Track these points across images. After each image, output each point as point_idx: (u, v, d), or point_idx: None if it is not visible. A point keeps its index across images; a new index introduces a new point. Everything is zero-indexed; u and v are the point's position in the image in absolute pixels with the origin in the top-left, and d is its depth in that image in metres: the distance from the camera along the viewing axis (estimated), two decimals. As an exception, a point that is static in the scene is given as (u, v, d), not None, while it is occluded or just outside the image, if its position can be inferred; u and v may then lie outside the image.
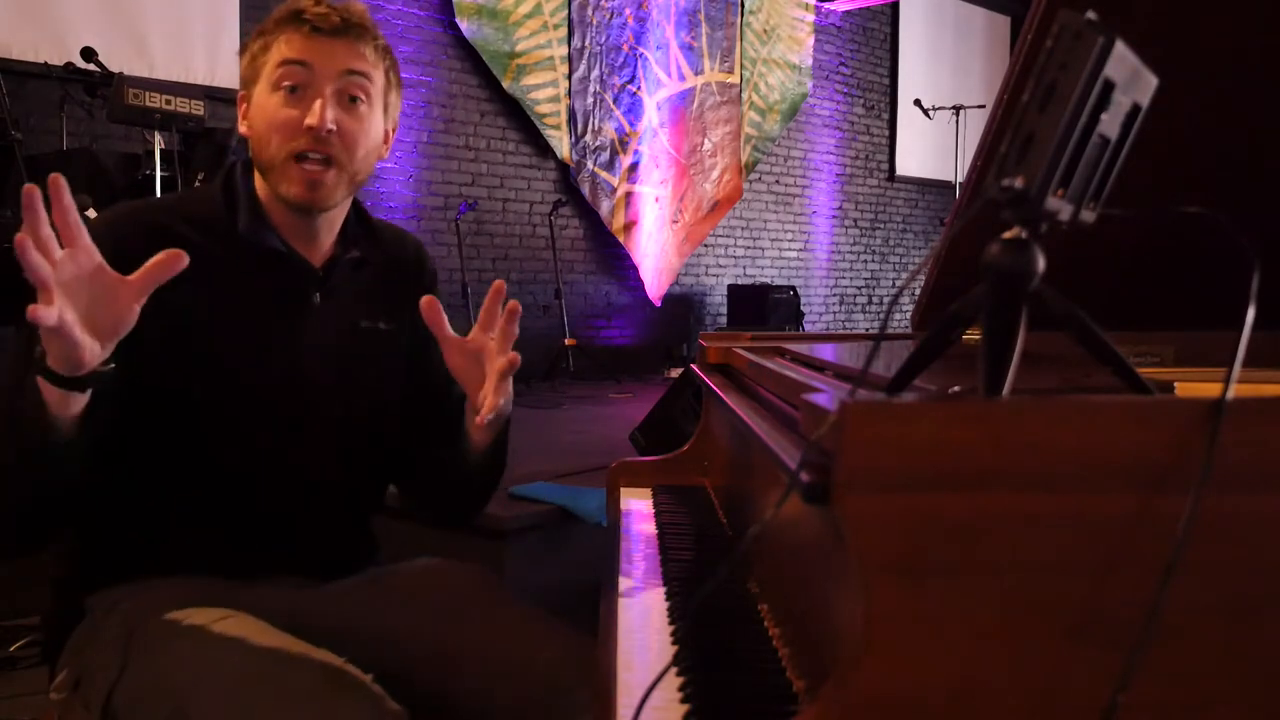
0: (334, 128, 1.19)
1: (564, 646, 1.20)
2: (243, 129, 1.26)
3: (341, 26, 1.21)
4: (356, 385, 1.32)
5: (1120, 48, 0.54)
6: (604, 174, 6.59)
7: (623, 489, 1.58)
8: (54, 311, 0.92)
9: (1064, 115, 0.53)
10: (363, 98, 1.23)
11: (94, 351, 0.98)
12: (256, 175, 1.27)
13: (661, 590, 1.07)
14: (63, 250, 0.95)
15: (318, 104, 1.19)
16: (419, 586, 1.29)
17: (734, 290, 7.26)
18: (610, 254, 6.76)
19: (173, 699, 1.04)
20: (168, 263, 0.99)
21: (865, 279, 8.77)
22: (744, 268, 7.72)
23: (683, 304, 7.23)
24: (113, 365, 1.02)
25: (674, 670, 0.79)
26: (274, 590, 1.21)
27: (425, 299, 1.18)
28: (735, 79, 7.40)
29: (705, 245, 7.37)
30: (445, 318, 1.20)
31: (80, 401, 1.01)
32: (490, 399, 1.16)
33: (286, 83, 1.19)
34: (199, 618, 1.11)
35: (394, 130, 1.33)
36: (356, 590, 1.27)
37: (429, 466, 1.37)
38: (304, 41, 1.20)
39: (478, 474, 1.33)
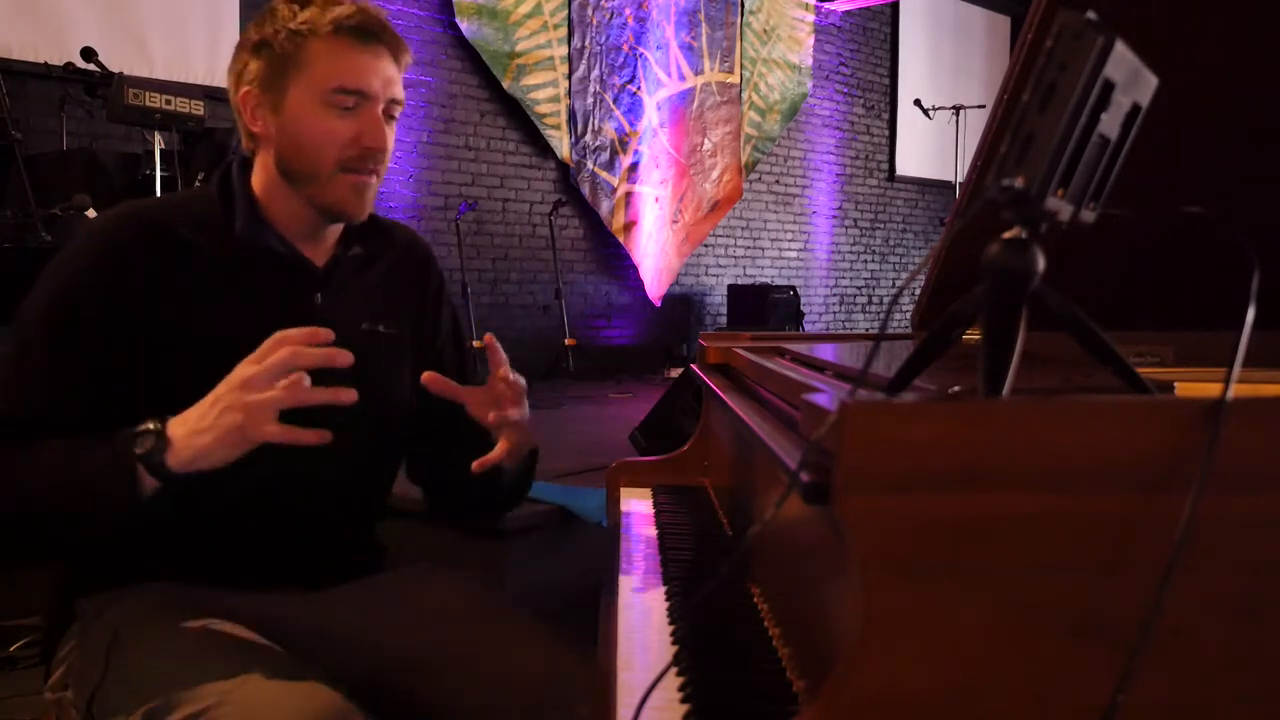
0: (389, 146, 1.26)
1: (557, 661, 1.18)
2: (257, 128, 1.25)
3: (381, 29, 1.23)
4: (361, 388, 1.30)
5: (1120, 48, 0.54)
6: (604, 174, 6.59)
7: (623, 489, 1.57)
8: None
9: (1064, 115, 0.53)
10: (397, 113, 1.28)
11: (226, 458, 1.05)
12: (264, 177, 1.26)
13: (661, 590, 1.07)
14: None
15: (376, 124, 1.22)
16: (409, 594, 1.28)
17: (734, 290, 7.26)
18: (610, 254, 6.76)
19: (143, 706, 1.04)
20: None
21: (865, 279, 8.77)
22: (744, 268, 7.72)
23: (683, 304, 7.23)
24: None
25: (674, 670, 0.79)
26: (264, 596, 1.21)
27: (427, 377, 1.24)
28: (735, 79, 7.40)
29: (705, 245, 7.37)
30: (454, 385, 1.25)
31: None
32: (501, 444, 1.25)
33: (343, 103, 1.21)
34: (178, 626, 1.11)
35: None
36: (346, 597, 1.26)
37: (451, 470, 1.36)
38: (356, 57, 1.21)
39: (505, 488, 1.39)
